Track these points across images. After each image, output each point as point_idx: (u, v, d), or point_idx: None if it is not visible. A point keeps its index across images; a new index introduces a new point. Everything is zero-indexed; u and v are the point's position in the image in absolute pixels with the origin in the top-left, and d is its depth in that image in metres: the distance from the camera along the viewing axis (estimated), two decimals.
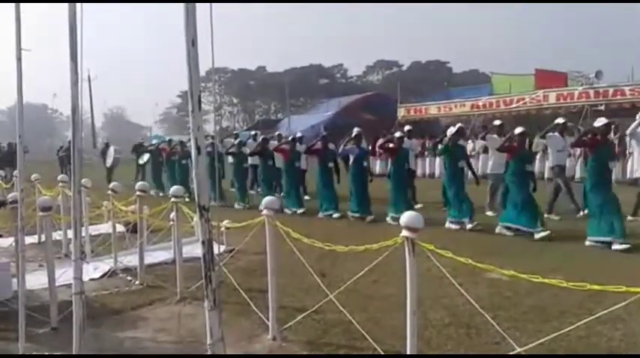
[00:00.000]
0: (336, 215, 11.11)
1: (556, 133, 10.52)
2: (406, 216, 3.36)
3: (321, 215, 11.33)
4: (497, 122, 11.48)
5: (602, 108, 21.81)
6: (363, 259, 4.31)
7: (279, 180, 13.27)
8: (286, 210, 11.75)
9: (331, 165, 11.75)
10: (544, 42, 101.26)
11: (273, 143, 15.45)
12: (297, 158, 12.72)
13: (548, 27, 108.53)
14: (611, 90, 22.52)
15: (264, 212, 4.47)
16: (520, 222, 8.44)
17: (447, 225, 9.38)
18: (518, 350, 3.17)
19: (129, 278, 6.50)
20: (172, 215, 6.45)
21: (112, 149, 21.03)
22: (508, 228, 8.58)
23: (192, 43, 2.12)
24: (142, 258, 6.38)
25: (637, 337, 4.21)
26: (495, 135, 10.81)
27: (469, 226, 9.08)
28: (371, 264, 4.08)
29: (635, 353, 4.02)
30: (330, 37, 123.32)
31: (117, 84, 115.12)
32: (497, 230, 8.69)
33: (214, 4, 2.30)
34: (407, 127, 13.73)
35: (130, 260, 6.97)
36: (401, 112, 31.98)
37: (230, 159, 15.04)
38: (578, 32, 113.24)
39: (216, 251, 2.28)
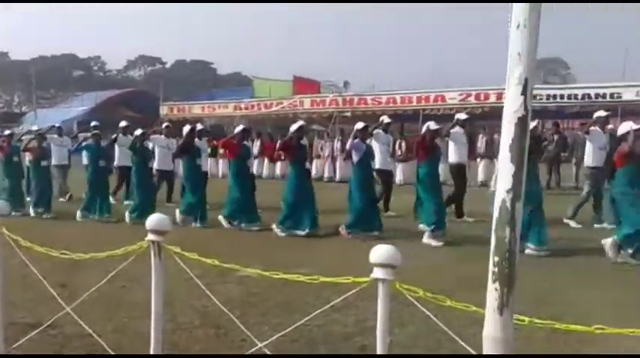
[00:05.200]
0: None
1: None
2: (152, 219, 3.19)
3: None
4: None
5: (349, 114, 24.35)
6: (110, 266, 4.01)
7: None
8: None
9: (308, 166, 9.46)
10: (301, 50, 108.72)
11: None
12: (248, 156, 9.94)
13: (304, 34, 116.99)
14: (356, 99, 25.35)
15: None
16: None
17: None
18: (259, 345, 3.25)
19: None
20: None
21: None
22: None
23: None
24: None
25: (368, 322, 4.61)
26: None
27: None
28: (115, 270, 3.80)
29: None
30: (87, 26, 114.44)
31: None
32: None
33: None
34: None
35: None
36: (163, 111, 31.28)
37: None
38: (331, 42, 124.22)
39: None
